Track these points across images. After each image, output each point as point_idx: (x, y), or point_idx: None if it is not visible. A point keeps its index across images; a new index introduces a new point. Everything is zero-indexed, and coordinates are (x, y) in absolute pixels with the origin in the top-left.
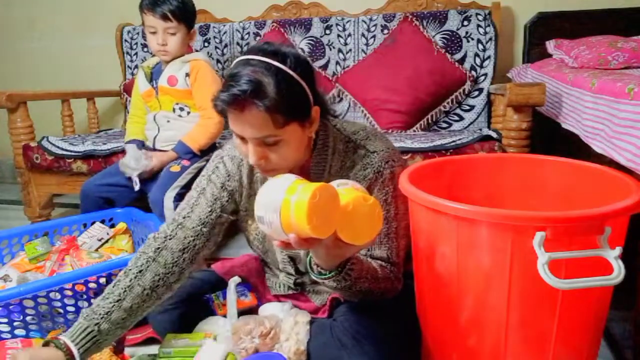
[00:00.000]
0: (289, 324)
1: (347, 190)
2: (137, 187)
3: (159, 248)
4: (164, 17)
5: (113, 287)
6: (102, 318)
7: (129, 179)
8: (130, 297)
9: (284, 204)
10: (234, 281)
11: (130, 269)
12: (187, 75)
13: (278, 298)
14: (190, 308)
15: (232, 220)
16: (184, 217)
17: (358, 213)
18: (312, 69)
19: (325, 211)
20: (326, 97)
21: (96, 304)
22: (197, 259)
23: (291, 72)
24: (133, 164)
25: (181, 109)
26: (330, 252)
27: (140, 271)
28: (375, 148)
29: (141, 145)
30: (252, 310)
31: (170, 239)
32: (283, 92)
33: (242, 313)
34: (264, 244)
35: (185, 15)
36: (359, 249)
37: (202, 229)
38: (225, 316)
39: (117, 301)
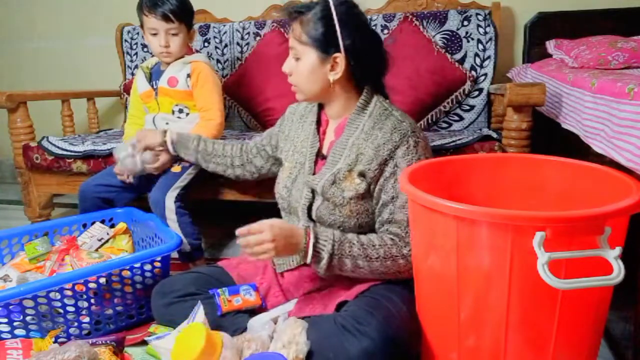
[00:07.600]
0: (287, 337)
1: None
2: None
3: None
4: (166, 18)
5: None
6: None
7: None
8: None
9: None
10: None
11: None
12: (189, 76)
13: (283, 293)
14: (197, 302)
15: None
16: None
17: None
18: (358, 23)
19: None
20: (382, 81)
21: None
22: (244, 166)
23: (332, 10)
24: (122, 155)
25: (180, 111)
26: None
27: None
28: (405, 119)
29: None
30: (255, 310)
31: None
32: (318, 17)
33: (246, 312)
34: (289, 188)
35: (185, 15)
36: None
37: (258, 147)
38: (224, 315)
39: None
